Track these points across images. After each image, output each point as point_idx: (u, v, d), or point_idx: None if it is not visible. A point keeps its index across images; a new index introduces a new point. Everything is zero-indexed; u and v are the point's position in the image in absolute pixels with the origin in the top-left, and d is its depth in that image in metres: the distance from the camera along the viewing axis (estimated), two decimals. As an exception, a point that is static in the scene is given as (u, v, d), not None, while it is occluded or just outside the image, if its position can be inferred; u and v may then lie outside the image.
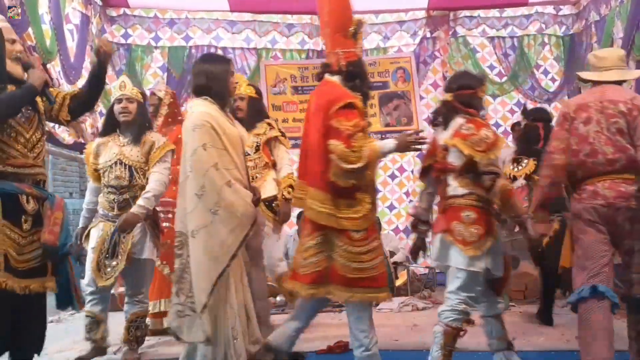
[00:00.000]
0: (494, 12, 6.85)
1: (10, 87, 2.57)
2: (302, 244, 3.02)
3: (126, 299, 3.64)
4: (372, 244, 2.90)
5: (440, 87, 6.96)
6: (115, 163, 3.49)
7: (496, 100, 6.85)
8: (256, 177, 3.90)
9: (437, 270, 6.13)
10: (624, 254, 2.98)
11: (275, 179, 3.99)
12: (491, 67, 6.89)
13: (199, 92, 3.07)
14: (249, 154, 3.75)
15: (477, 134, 2.78)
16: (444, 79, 6.99)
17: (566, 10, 6.81)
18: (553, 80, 6.88)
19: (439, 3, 6.64)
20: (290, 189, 3.70)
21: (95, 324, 3.49)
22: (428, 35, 6.86)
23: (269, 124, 4.07)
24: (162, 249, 3.80)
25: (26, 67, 2.71)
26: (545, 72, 6.92)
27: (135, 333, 3.56)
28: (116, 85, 3.66)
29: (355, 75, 3.00)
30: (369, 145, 2.82)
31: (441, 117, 3.01)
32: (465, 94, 2.92)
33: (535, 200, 3.13)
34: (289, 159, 4.03)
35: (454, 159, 2.89)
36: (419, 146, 3.04)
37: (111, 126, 3.63)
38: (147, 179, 3.51)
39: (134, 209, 3.43)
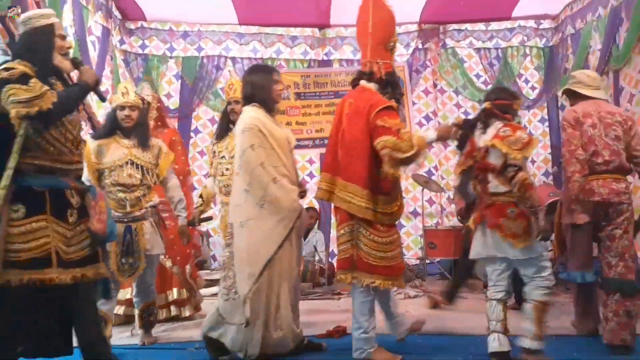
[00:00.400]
0: (480, 26, 6.83)
1: (56, 81, 2.48)
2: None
3: (135, 292, 3.58)
4: (393, 236, 3.02)
5: (432, 93, 6.99)
6: (126, 163, 3.37)
7: (482, 105, 6.82)
8: None
9: (427, 262, 6.15)
10: (605, 239, 3.24)
11: None
12: (477, 76, 6.89)
13: (247, 100, 3.20)
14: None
15: (514, 135, 2.87)
16: (434, 86, 7.00)
17: (546, 24, 6.78)
18: (533, 88, 6.86)
19: (430, 17, 6.62)
20: None
21: (104, 323, 3.27)
22: (420, 46, 6.85)
23: None
24: (165, 244, 3.71)
25: (77, 64, 2.61)
26: (527, 81, 6.91)
27: (149, 318, 3.56)
28: (118, 92, 3.53)
29: (390, 83, 3.11)
30: (416, 135, 2.93)
31: (481, 122, 3.07)
32: (502, 104, 3.02)
33: (573, 193, 3.23)
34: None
35: (493, 159, 2.93)
36: (456, 136, 3.16)
37: (111, 130, 3.45)
38: (157, 180, 3.49)
39: (182, 221, 3.63)
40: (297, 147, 6.57)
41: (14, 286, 2.26)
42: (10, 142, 2.34)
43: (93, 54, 5.34)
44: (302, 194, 3.22)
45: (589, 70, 3.74)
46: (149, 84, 4.41)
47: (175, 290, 4.27)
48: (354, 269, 2.95)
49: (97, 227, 2.53)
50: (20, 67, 2.37)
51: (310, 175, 6.89)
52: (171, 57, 6.66)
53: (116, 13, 6.15)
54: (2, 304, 2.32)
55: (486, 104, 3.07)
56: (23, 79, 2.33)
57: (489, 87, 6.78)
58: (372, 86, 3.08)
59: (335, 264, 5.70)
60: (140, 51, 6.58)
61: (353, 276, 2.95)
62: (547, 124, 6.88)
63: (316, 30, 6.81)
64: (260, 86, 3.17)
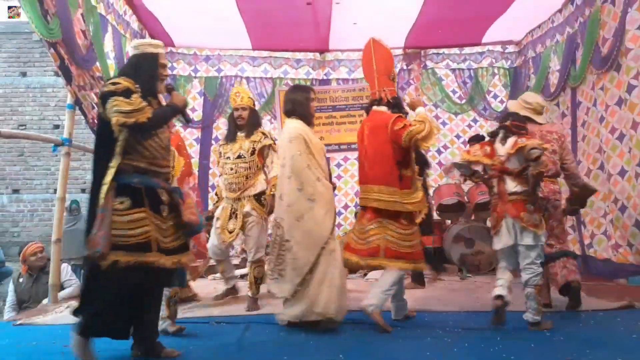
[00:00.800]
0: (455, 50, 6.84)
1: (152, 100, 2.52)
2: (362, 228, 3.22)
3: None
4: (414, 228, 3.23)
5: (414, 107, 6.99)
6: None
7: (457, 117, 6.84)
8: (250, 176, 3.78)
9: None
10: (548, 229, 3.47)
11: (265, 179, 3.84)
12: (453, 92, 6.89)
13: (288, 114, 3.32)
14: (244, 157, 3.76)
15: (530, 139, 3.12)
16: (417, 101, 7.00)
17: (511, 48, 6.80)
18: (501, 102, 6.85)
19: (413, 43, 6.63)
20: (274, 188, 3.58)
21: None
22: (404, 67, 6.85)
23: (264, 133, 3.85)
24: None
25: (169, 89, 2.67)
26: (495, 96, 6.91)
27: (175, 307, 3.20)
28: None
29: (395, 105, 3.32)
30: (417, 116, 3.18)
31: (502, 135, 3.23)
32: (517, 125, 3.21)
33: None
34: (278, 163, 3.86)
35: (512, 165, 3.13)
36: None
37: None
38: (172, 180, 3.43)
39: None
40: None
41: (120, 267, 2.29)
42: (111, 145, 2.40)
43: (130, 75, 5.37)
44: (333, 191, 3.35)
45: (539, 97, 3.86)
46: None
47: None
48: (380, 257, 3.13)
49: (192, 218, 2.59)
50: (124, 82, 2.43)
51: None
52: (195, 77, 6.68)
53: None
54: (104, 286, 2.35)
55: (507, 123, 3.22)
56: (126, 93, 2.40)
57: (463, 101, 6.83)
58: (383, 109, 3.30)
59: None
60: (169, 72, 6.57)
61: (379, 262, 3.15)
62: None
63: (317, 54, 6.83)
64: (300, 103, 3.28)
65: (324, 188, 3.15)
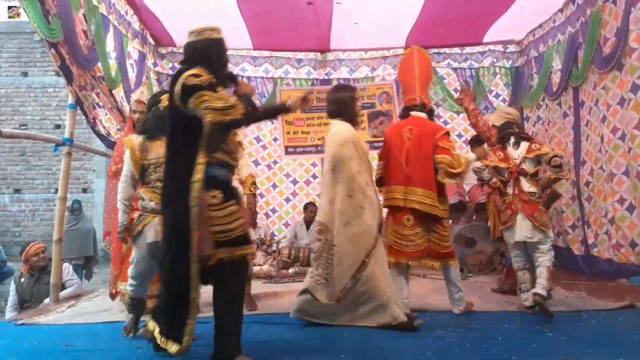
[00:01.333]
0: (456, 49, 6.82)
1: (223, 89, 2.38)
2: (401, 229, 3.34)
3: None
4: (449, 230, 3.54)
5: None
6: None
7: (459, 116, 6.81)
8: None
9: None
10: None
11: (237, 178, 3.56)
12: (455, 91, 6.83)
13: (333, 115, 3.24)
14: None
15: (544, 145, 3.59)
16: (418, 101, 6.99)
17: (512, 48, 6.78)
18: (503, 101, 6.83)
19: (414, 42, 6.54)
20: (253, 186, 3.52)
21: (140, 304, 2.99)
22: (406, 67, 6.85)
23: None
24: None
25: (233, 77, 2.56)
26: (497, 96, 6.89)
27: None
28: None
29: (432, 112, 3.57)
30: (463, 156, 3.41)
31: (514, 140, 3.58)
32: (522, 131, 3.67)
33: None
34: (247, 162, 3.74)
35: (527, 167, 3.49)
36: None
37: (159, 128, 2.90)
38: None
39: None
40: (302, 152, 6.72)
41: (223, 262, 2.27)
42: (192, 140, 2.29)
43: (132, 74, 5.38)
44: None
45: (510, 108, 4.36)
46: (147, 89, 4.09)
47: None
48: (426, 257, 3.34)
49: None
50: (205, 75, 2.30)
51: (314, 176, 6.90)
52: (196, 77, 6.68)
53: (150, 40, 6.19)
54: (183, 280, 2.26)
55: (516, 130, 3.63)
56: (212, 86, 2.29)
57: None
58: (423, 115, 3.45)
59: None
60: (170, 72, 6.58)
61: (425, 262, 3.36)
62: (514, 132, 6.88)
63: (318, 54, 6.83)
64: (344, 103, 3.20)
65: (372, 192, 3.14)
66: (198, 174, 2.25)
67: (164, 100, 2.88)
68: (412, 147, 3.36)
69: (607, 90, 4.52)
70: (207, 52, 2.41)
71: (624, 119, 4.30)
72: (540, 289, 3.25)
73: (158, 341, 2.36)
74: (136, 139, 2.92)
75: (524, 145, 3.52)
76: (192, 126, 2.28)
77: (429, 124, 3.47)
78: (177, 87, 2.31)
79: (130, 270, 2.95)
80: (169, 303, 2.35)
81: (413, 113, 3.47)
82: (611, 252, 4.48)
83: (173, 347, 2.27)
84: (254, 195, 3.56)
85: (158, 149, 2.87)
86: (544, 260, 3.38)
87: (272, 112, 2.71)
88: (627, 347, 2.60)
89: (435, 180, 3.32)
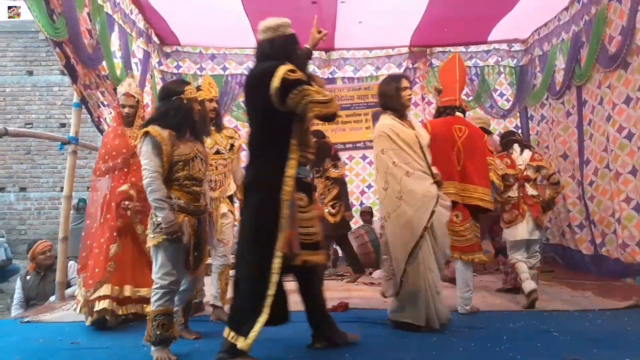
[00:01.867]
0: (461, 48, 6.79)
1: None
2: (451, 227, 3.32)
3: (187, 286, 2.83)
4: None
5: (420, 105, 6.96)
6: (195, 157, 2.62)
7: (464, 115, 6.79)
8: (226, 174, 3.42)
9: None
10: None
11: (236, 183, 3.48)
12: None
13: (382, 108, 3.23)
14: (223, 153, 3.39)
15: (544, 157, 4.11)
16: (423, 99, 6.97)
17: (517, 47, 6.75)
18: (508, 100, 6.84)
19: (418, 41, 6.61)
20: None
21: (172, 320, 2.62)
22: (410, 66, 6.83)
23: (234, 131, 3.57)
24: None
25: (307, 74, 2.48)
26: (501, 94, 6.88)
27: (187, 316, 2.96)
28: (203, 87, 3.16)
29: (464, 112, 3.80)
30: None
31: (519, 148, 4.02)
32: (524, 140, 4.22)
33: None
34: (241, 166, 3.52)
35: (529, 173, 3.90)
36: None
37: (186, 122, 2.63)
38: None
39: None
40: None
41: (308, 264, 2.33)
42: (282, 136, 2.28)
43: (136, 73, 5.39)
44: (438, 183, 3.06)
45: (483, 114, 5.13)
46: (135, 81, 3.79)
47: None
48: (477, 252, 3.49)
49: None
50: (298, 70, 2.29)
51: (314, 175, 6.89)
52: (201, 76, 6.66)
53: (155, 39, 6.20)
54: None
55: (519, 138, 4.20)
56: (308, 81, 2.30)
57: (470, 99, 6.78)
58: (462, 115, 3.70)
59: (338, 250, 5.73)
60: (175, 71, 6.62)
61: (476, 255, 3.48)
62: (520, 130, 6.85)
63: (323, 53, 6.82)
64: (389, 96, 3.13)
65: (416, 183, 2.93)
66: (291, 170, 2.25)
67: (189, 92, 2.63)
68: (465, 146, 3.50)
69: (612, 89, 4.49)
70: (285, 48, 2.41)
71: (630, 117, 4.27)
72: (532, 284, 3.65)
73: (226, 337, 2.29)
74: (162, 132, 2.54)
75: (527, 153, 3.95)
76: (283, 121, 2.29)
77: (474, 127, 3.71)
78: (275, 83, 2.24)
79: (161, 278, 2.52)
80: (245, 297, 2.30)
81: (457, 113, 3.64)
82: (618, 252, 4.46)
83: (241, 342, 2.23)
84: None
85: (186, 145, 2.61)
86: (536, 262, 3.91)
87: (307, 71, 2.47)
88: (632, 346, 2.58)
89: (489, 178, 3.61)
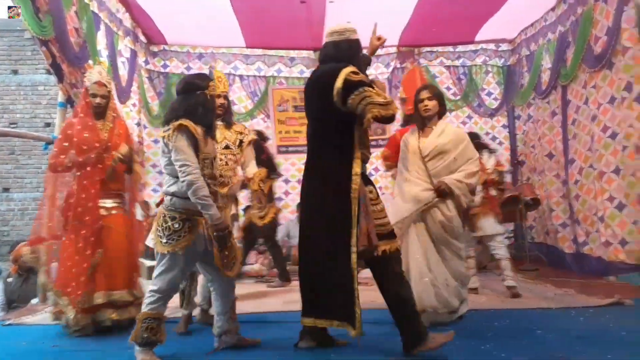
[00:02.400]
0: (449, 48, 6.86)
1: None
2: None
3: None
4: None
5: (408, 106, 6.99)
6: (215, 156, 2.59)
7: (452, 114, 6.84)
8: (235, 170, 3.35)
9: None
10: None
11: (244, 176, 3.40)
12: (448, 89, 6.90)
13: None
14: (232, 148, 3.31)
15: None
16: (411, 99, 7.00)
17: (504, 46, 6.82)
18: (495, 99, 6.90)
19: (406, 41, 6.64)
20: (261, 182, 3.36)
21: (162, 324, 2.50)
22: (398, 65, 6.87)
23: (244, 126, 3.50)
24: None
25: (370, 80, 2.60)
26: (489, 94, 6.94)
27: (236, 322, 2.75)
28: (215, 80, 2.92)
29: None
30: None
31: (487, 153, 4.32)
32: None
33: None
34: (253, 159, 3.43)
35: (494, 177, 4.28)
36: None
37: (212, 117, 2.57)
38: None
39: None
40: (295, 151, 6.72)
41: (387, 253, 2.41)
42: (344, 136, 2.42)
43: (123, 72, 5.36)
44: (441, 192, 3.07)
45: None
46: (104, 69, 3.53)
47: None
48: None
49: None
50: (360, 72, 2.39)
51: (307, 174, 6.88)
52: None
53: (142, 38, 6.16)
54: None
55: (484, 142, 4.67)
56: (370, 83, 2.39)
57: (458, 98, 6.84)
58: None
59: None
60: (162, 70, 6.58)
61: None
62: (507, 129, 6.93)
63: (311, 52, 6.83)
64: (415, 109, 3.31)
65: (409, 187, 3.16)
66: (357, 168, 2.39)
67: (212, 88, 2.53)
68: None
69: (597, 88, 4.55)
70: (349, 51, 2.51)
71: (615, 117, 4.33)
72: (510, 282, 4.01)
73: (327, 325, 2.47)
74: (197, 127, 2.41)
75: (494, 158, 4.36)
76: (346, 122, 2.41)
77: None
78: (339, 83, 2.35)
79: (162, 282, 2.43)
80: (334, 291, 2.41)
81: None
82: (601, 250, 4.52)
83: (352, 331, 2.38)
84: (262, 191, 3.44)
85: (210, 143, 2.54)
86: (501, 251, 4.15)
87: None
88: (615, 343, 2.62)
89: None
